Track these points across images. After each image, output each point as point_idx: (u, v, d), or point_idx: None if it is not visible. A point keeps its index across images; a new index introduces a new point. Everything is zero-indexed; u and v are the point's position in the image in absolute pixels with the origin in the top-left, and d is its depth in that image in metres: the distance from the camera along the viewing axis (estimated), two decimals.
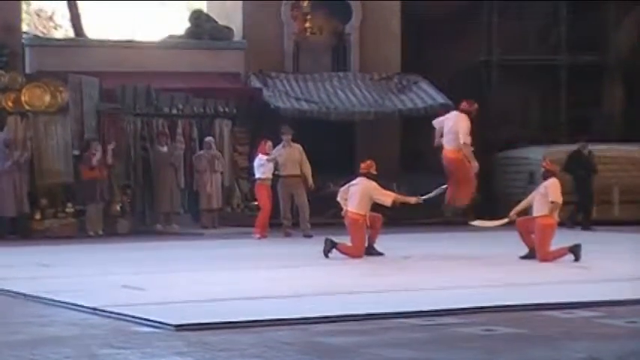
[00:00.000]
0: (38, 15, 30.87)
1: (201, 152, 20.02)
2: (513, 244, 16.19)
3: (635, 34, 24.00)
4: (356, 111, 21.47)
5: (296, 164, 17.74)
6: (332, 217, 20.03)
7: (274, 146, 17.99)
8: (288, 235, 17.89)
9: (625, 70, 23.95)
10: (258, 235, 17.61)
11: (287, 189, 17.79)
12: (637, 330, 8.70)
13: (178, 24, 23.81)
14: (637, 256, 14.07)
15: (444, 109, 21.70)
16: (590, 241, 16.84)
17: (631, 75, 23.72)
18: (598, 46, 23.84)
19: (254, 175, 18.29)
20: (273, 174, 17.97)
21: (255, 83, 21.68)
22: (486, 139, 22.91)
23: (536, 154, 21.49)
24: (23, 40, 21.38)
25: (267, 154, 17.85)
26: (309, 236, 17.39)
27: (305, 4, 22.49)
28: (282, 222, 18.04)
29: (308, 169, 17.85)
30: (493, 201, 21.95)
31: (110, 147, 19.01)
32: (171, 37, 22.74)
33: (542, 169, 13.83)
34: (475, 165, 13.96)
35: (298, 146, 17.93)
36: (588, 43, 23.77)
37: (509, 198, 21.34)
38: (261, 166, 17.96)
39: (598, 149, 21.49)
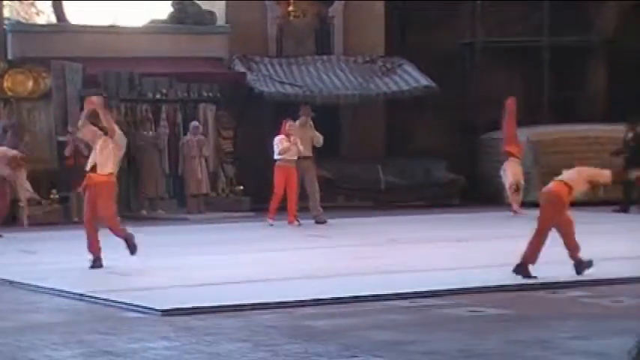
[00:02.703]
0: (20, 1, 30.68)
1: (189, 137, 19.92)
2: (498, 225, 16.25)
3: (618, 15, 24.00)
4: (340, 94, 21.43)
5: (309, 146, 17.15)
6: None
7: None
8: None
9: (609, 51, 23.97)
10: (271, 222, 16.72)
11: (298, 171, 17.05)
12: (623, 309, 8.74)
13: (161, 9, 23.68)
14: (622, 235, 14.13)
15: (427, 92, 21.78)
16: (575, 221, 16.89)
17: (614, 56, 23.73)
18: (582, 27, 23.85)
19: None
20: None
21: (239, 67, 21.61)
22: (470, 121, 22.97)
23: (520, 136, 21.52)
24: (5, 26, 21.22)
25: (287, 134, 16.86)
26: (323, 222, 16.79)
27: None
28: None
29: (320, 139, 17.22)
30: (477, 182, 22.02)
31: (69, 137, 18.79)
32: (154, 22, 22.63)
33: None
34: None
35: (312, 128, 17.47)
36: (572, 24, 23.77)
37: (492, 180, 21.45)
38: (275, 146, 16.94)
39: (580, 129, 21.55)
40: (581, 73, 24.14)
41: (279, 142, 16.88)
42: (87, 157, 18.92)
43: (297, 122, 17.35)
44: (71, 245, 14.72)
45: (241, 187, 20.60)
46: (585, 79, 24.25)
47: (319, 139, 17.40)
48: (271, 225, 16.65)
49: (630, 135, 19.16)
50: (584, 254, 11.95)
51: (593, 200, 19.87)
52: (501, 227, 15.97)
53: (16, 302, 9.71)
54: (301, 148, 16.93)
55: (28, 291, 10.35)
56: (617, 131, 20.76)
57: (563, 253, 12.18)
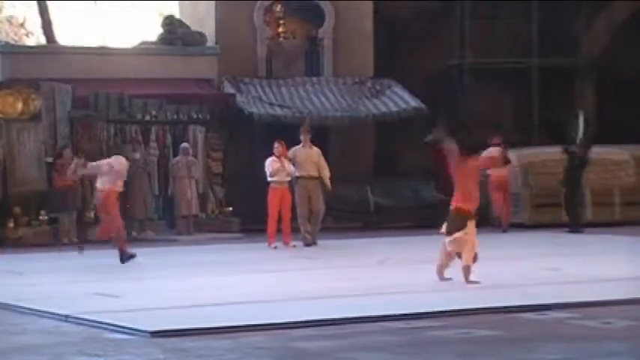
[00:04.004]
0: (9, 22, 30.71)
1: (179, 158, 19.94)
2: (487, 246, 16.24)
3: (606, 36, 24.13)
4: (330, 116, 21.47)
5: (314, 166, 17.01)
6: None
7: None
8: (307, 243, 16.73)
9: (597, 72, 24.08)
10: (274, 245, 16.55)
11: (305, 191, 16.97)
12: (612, 331, 8.75)
13: (151, 30, 23.73)
14: (608, 257, 14.14)
15: (417, 113, 21.84)
16: (563, 243, 16.94)
17: (602, 77, 23.85)
18: (570, 49, 23.97)
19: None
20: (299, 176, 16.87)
21: (229, 89, 21.64)
22: (459, 142, 22.99)
23: (510, 157, 21.56)
24: None
25: (279, 156, 16.77)
26: (313, 244, 16.72)
27: (278, 9, 22.50)
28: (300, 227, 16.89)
29: (327, 173, 17.14)
30: None
31: (77, 162, 18.78)
32: (143, 43, 22.67)
33: None
34: None
35: (317, 149, 17.46)
36: (560, 45, 23.90)
37: (481, 201, 21.44)
38: (267, 168, 16.84)
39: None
40: (570, 94, 24.23)
41: (269, 165, 16.87)
42: (79, 180, 19.09)
43: (302, 143, 17.24)
44: (59, 266, 14.70)
45: (230, 209, 20.59)
46: (574, 101, 24.34)
47: (326, 174, 17.17)
48: (275, 248, 16.51)
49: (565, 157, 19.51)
50: (573, 276, 11.98)
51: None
52: (490, 248, 15.94)
53: (2, 324, 9.67)
54: (292, 169, 16.93)
55: (15, 312, 10.30)
56: (607, 153, 20.85)
57: (551, 274, 12.21)
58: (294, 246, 16.66)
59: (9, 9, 30.34)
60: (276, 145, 16.92)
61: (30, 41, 28.87)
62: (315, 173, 17.08)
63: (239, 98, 21.25)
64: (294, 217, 17.00)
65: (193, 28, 22.24)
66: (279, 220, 16.75)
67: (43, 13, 25.14)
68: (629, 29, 23.59)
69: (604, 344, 7.99)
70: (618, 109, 23.13)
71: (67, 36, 25.65)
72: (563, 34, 23.87)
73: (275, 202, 16.69)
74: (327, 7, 22.71)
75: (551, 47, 23.78)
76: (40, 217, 18.93)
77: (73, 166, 18.67)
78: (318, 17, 22.79)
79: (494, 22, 23.86)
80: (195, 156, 20.25)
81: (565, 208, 19.53)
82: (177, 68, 21.40)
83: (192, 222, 19.90)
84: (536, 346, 8.00)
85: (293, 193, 17.01)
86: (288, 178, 16.90)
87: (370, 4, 22.88)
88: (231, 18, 22.22)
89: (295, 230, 17.04)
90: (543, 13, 23.65)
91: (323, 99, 21.88)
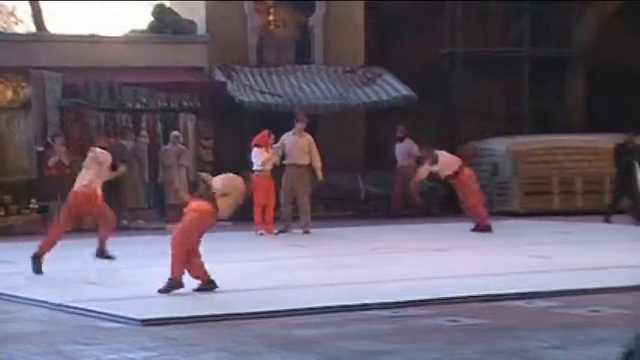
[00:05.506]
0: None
1: (168, 147, 19.95)
2: (477, 235, 16.28)
3: (596, 27, 24.16)
4: (320, 104, 21.47)
5: (304, 154, 17.09)
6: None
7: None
8: (284, 230, 16.91)
9: (587, 62, 24.12)
10: (260, 232, 16.80)
11: (290, 179, 17.06)
12: (600, 318, 8.79)
13: (141, 18, 23.68)
14: (599, 245, 14.19)
15: (408, 101, 21.85)
16: (554, 231, 16.97)
17: (593, 67, 23.89)
18: (560, 39, 24.00)
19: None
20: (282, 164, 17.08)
21: (220, 77, 21.62)
22: (450, 131, 23.05)
23: (500, 146, 21.62)
24: None
25: (266, 145, 16.93)
26: (307, 233, 16.87)
27: None
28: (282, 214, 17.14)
29: (318, 161, 17.15)
30: (456, 192, 22.07)
31: (62, 148, 18.79)
32: (134, 31, 22.62)
33: None
34: None
35: (309, 136, 17.47)
36: (551, 35, 23.92)
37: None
38: (256, 158, 17.01)
39: (559, 139, 21.66)
40: (561, 84, 24.28)
41: (259, 154, 16.89)
42: (68, 167, 19.11)
43: (293, 130, 17.29)
44: (49, 255, 14.68)
45: None
46: (564, 91, 24.38)
47: (317, 163, 17.23)
48: (261, 234, 16.68)
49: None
50: (563, 264, 12.02)
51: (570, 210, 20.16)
52: (480, 237, 16.01)
53: None
54: (276, 159, 17.08)
55: (5, 301, 10.31)
56: (597, 141, 20.90)
57: (538, 262, 12.25)
58: (277, 233, 16.76)
59: None
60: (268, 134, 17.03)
61: (20, 29, 28.79)
62: (301, 162, 17.15)
63: (230, 86, 21.24)
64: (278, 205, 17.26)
65: (184, 16, 22.19)
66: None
67: (33, 1, 25.09)
68: (619, 20, 23.62)
69: (593, 332, 8.03)
70: (608, 99, 23.19)
71: (57, 24, 25.58)
72: (554, 24, 23.90)
73: (262, 192, 16.79)
74: None
75: (543, 37, 23.81)
76: (31, 206, 18.91)
77: (52, 158, 18.61)
78: (309, 7, 22.75)
79: (485, 11, 23.86)
80: (185, 144, 20.25)
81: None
82: (167, 56, 21.37)
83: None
84: (525, 334, 8.03)
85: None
86: (271, 167, 17.05)
87: None
88: (222, 7, 22.18)
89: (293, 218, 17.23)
90: (535, 3, 23.67)
91: (313, 87, 21.87)
